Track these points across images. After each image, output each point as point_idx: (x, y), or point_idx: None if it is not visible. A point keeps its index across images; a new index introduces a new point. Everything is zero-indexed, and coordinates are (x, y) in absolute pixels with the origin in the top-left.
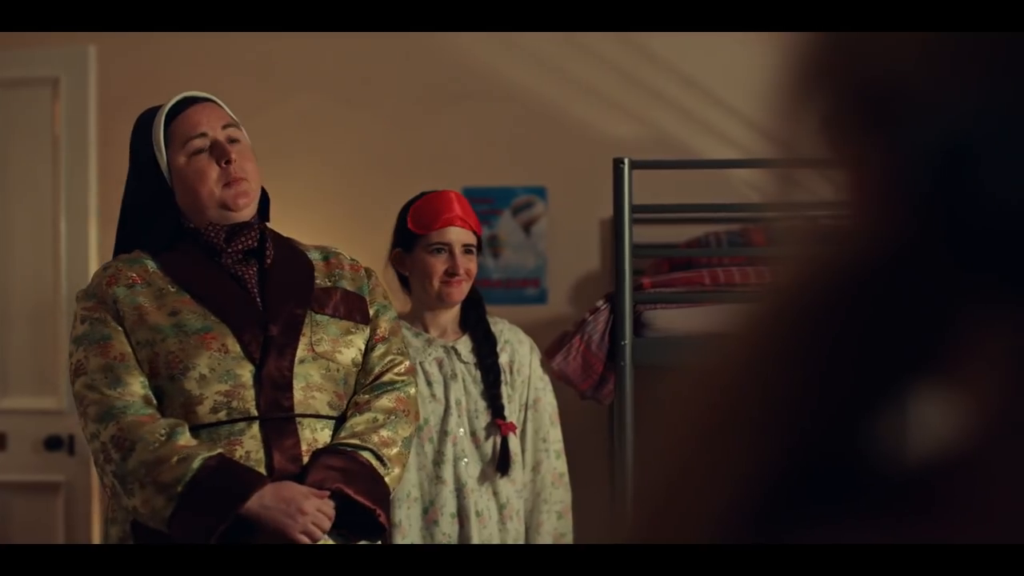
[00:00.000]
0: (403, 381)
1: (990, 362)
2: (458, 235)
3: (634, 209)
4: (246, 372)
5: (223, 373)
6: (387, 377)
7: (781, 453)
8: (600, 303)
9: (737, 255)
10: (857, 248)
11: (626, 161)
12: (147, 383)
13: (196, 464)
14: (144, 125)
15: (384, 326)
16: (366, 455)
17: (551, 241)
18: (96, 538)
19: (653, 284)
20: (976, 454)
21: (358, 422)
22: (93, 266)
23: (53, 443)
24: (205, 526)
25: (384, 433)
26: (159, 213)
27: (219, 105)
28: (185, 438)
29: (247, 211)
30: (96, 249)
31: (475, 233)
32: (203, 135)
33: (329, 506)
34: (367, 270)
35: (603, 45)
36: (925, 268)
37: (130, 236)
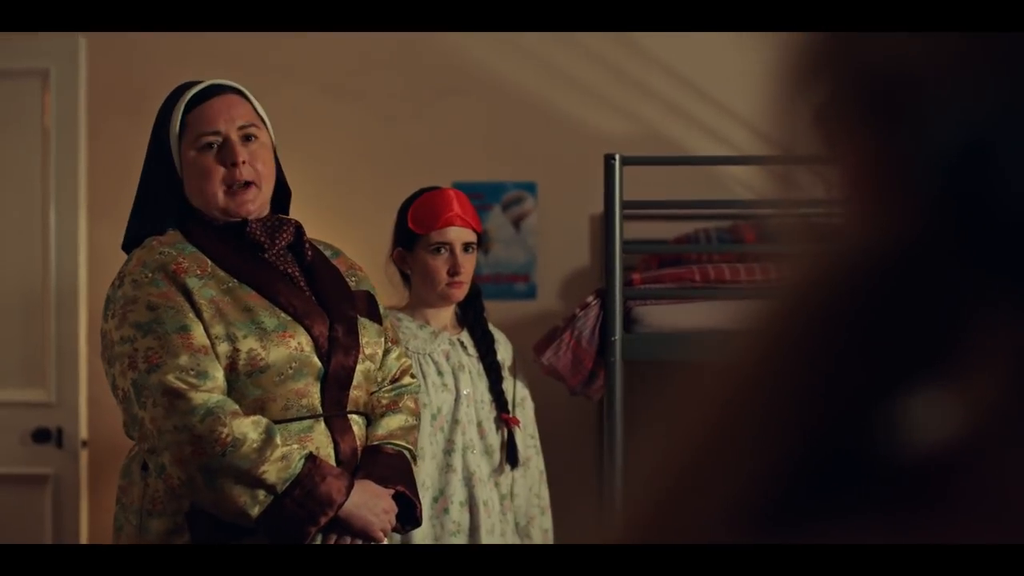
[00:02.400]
0: (416, 383)
1: (1003, 360)
2: (458, 234)
3: (624, 205)
4: (315, 371)
5: (297, 372)
6: (405, 380)
7: (792, 449)
8: (590, 299)
9: (727, 252)
10: (869, 244)
11: (617, 157)
12: (224, 376)
13: (297, 464)
14: (168, 106)
15: (391, 329)
16: (408, 455)
17: (541, 236)
18: (84, 530)
19: (643, 280)
20: (987, 449)
21: (394, 422)
22: (83, 258)
23: (41, 435)
24: (302, 524)
25: (415, 435)
26: (169, 200)
27: (244, 98)
28: (279, 436)
29: (255, 214)
30: (85, 241)
31: (474, 231)
32: (216, 132)
33: (393, 504)
34: (362, 268)
35: (594, 41)
36: (938, 265)
37: (145, 216)
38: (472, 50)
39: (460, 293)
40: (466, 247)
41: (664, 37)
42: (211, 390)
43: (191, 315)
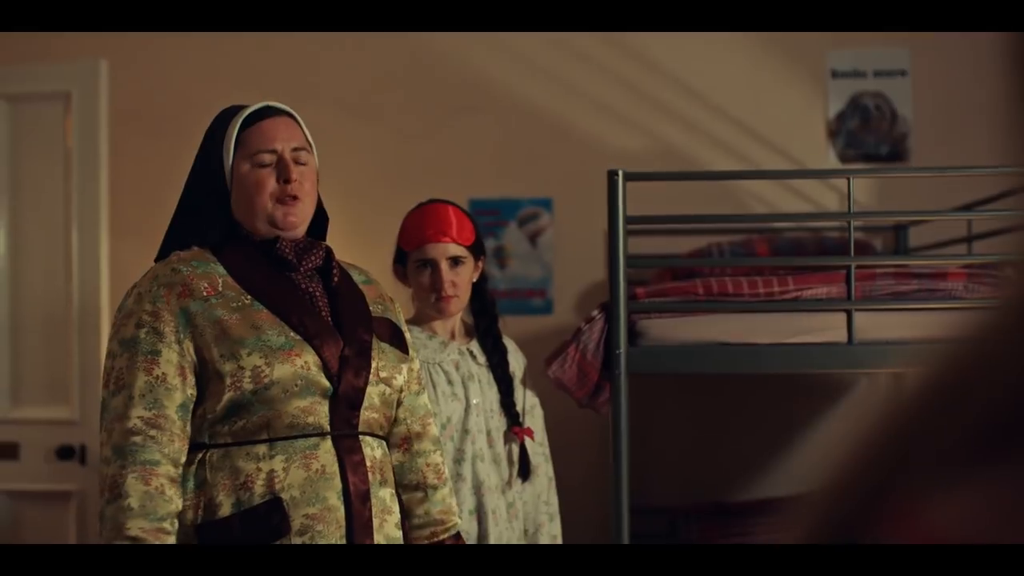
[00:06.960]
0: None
1: None
2: (441, 250)
3: (635, 220)
4: (322, 389)
5: (304, 389)
6: (435, 431)
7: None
8: (595, 312)
9: (737, 265)
10: None
11: (620, 173)
12: (187, 405)
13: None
14: (220, 124)
15: (417, 368)
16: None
17: (557, 252)
18: None
19: (647, 294)
20: None
21: (448, 495)
22: (105, 277)
23: (65, 452)
24: None
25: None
26: (214, 212)
27: (297, 123)
28: (169, 523)
29: (296, 231)
30: (107, 260)
31: (463, 244)
32: (272, 151)
33: None
34: (392, 300)
35: (610, 59)
36: None
37: (184, 229)
38: (487, 68)
39: (452, 306)
40: (454, 261)
41: (679, 54)
42: (149, 427)
43: (170, 339)
